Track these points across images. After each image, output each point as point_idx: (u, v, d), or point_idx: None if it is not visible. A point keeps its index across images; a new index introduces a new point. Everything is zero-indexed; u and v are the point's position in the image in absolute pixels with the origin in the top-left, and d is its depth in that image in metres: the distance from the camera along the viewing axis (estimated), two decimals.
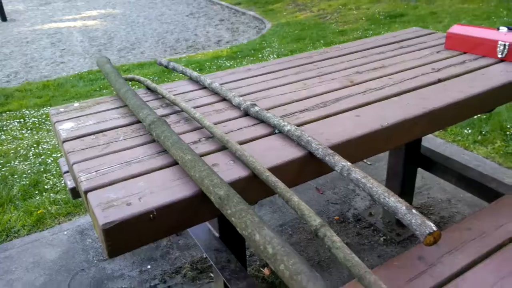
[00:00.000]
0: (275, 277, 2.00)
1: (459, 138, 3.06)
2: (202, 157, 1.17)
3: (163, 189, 1.05)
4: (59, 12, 10.68)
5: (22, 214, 2.54)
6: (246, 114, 1.43)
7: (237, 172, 1.10)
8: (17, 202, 2.68)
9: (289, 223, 2.34)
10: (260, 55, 5.90)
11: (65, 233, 2.37)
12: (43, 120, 4.15)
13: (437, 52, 1.95)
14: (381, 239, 2.19)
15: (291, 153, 1.19)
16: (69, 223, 2.45)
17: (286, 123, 1.26)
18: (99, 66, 1.89)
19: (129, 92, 1.50)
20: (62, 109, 1.56)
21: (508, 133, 3.01)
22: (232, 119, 1.41)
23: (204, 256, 2.14)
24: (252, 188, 1.11)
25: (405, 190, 2.21)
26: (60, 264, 2.15)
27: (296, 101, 1.51)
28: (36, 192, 2.79)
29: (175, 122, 1.40)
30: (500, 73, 1.68)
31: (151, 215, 0.98)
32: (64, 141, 1.32)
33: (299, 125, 1.34)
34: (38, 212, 2.54)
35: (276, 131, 1.30)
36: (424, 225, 0.87)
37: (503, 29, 1.81)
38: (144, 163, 1.17)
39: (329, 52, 2.05)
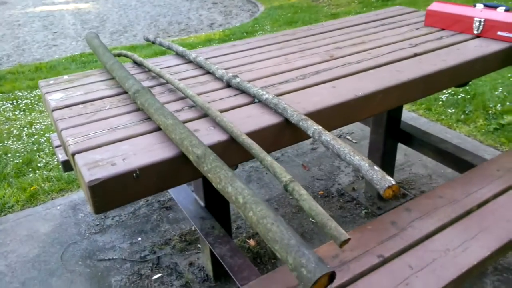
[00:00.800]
0: (260, 247, 2.09)
1: (443, 117, 3.13)
2: (184, 124, 1.24)
3: (146, 152, 1.11)
4: None
5: (16, 190, 2.60)
6: (228, 85, 1.49)
7: (216, 136, 1.17)
8: (11, 180, 2.74)
9: (275, 198, 2.42)
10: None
11: (58, 208, 2.44)
12: (36, 102, 4.19)
13: (417, 29, 2.01)
14: (363, 212, 2.28)
15: (269, 119, 1.26)
16: (62, 199, 2.52)
17: (264, 93, 1.33)
18: (87, 41, 1.94)
19: (115, 65, 1.56)
20: (51, 81, 1.62)
21: (490, 112, 3.09)
22: (214, 90, 1.47)
23: (193, 229, 2.22)
24: (231, 151, 1.18)
25: (386, 164, 2.29)
26: (53, 237, 2.23)
27: (277, 74, 1.58)
28: (30, 169, 2.85)
29: (160, 93, 1.46)
30: (474, 48, 1.74)
31: (134, 174, 1.05)
32: (53, 110, 1.38)
33: (278, 95, 1.40)
34: (32, 188, 2.60)
35: (256, 100, 1.37)
36: (384, 180, 0.94)
37: (479, 6, 1.87)
38: (128, 129, 1.23)
39: (313, 29, 2.10)
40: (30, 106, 4.08)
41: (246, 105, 1.36)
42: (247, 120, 1.26)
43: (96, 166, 1.05)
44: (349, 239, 0.83)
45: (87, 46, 6.49)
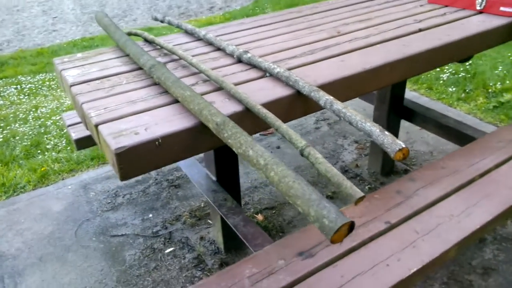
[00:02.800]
0: (268, 222, 2.15)
1: (444, 96, 3.18)
2: None
3: (166, 122, 1.16)
4: None
5: (27, 171, 2.65)
6: (239, 60, 1.53)
7: (232, 108, 1.22)
8: (20, 161, 2.79)
9: None
10: None
11: (69, 187, 2.50)
12: (40, 86, 4.22)
13: (421, 5, 2.05)
14: (366, 187, 2.34)
15: (281, 91, 1.30)
16: (72, 179, 2.58)
17: (276, 66, 1.37)
18: (97, 21, 1.97)
19: (128, 42, 1.60)
20: (66, 59, 1.66)
21: (490, 90, 3.14)
22: (226, 66, 1.51)
23: (202, 205, 2.28)
24: (246, 121, 1.23)
25: None
26: (66, 215, 2.29)
27: (286, 49, 1.62)
28: (39, 151, 2.90)
29: (173, 69, 1.51)
30: (478, 23, 1.78)
31: (156, 142, 1.10)
32: (71, 85, 1.42)
33: (288, 69, 1.45)
34: (42, 169, 2.66)
35: (267, 74, 1.42)
36: (395, 143, 1.00)
37: None
38: (148, 102, 1.28)
39: (319, 7, 2.14)
40: (34, 91, 4.11)
41: (257, 79, 1.41)
42: (260, 93, 1.31)
43: (121, 135, 1.10)
44: (364, 196, 0.88)
45: (87, 31, 6.50)
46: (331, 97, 1.18)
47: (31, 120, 3.42)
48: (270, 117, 1.13)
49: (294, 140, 1.04)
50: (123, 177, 1.10)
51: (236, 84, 1.37)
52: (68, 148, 2.90)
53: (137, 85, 1.40)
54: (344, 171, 2.48)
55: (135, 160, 1.09)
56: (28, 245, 2.10)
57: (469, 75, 3.37)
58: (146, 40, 1.79)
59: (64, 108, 3.60)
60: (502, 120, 2.78)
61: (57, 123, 3.31)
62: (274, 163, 0.90)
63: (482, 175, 1.57)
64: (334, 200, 2.25)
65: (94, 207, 2.32)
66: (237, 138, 0.99)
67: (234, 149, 1.01)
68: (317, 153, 1.00)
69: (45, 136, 3.11)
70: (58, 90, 4.06)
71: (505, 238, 1.94)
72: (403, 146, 0.99)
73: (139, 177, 2.54)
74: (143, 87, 1.39)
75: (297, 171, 2.49)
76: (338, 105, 1.15)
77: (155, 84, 1.40)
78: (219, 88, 1.35)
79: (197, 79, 1.42)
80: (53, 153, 2.85)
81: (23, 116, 3.49)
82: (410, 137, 2.75)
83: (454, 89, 3.22)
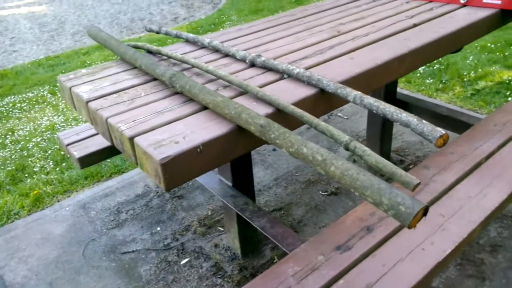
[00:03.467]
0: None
1: (423, 88, 3.32)
2: None
3: (202, 129, 1.17)
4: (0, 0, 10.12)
5: (18, 196, 2.55)
6: (252, 65, 1.55)
7: (263, 110, 1.24)
8: (8, 187, 2.68)
9: (282, 176, 2.51)
10: (221, 29, 5.95)
11: (67, 209, 2.42)
12: (10, 109, 4.06)
13: (406, 2, 2.14)
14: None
15: (304, 92, 1.34)
16: (69, 200, 2.50)
17: (294, 67, 1.40)
18: (92, 36, 1.93)
19: (137, 54, 1.59)
20: (71, 76, 1.62)
21: (465, 79, 3.31)
22: (240, 71, 1.53)
23: (210, 214, 2.27)
24: (279, 122, 1.25)
25: (385, 134, 2.43)
26: (69, 237, 2.22)
27: (294, 51, 1.65)
28: (26, 175, 2.79)
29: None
30: (464, 16, 1.89)
31: (198, 149, 1.10)
32: (88, 101, 1.40)
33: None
34: (34, 193, 2.56)
35: (285, 75, 1.44)
36: (435, 131, 1.05)
37: None
38: (175, 111, 1.28)
39: (309, 9, 2.19)
40: (5, 114, 3.96)
41: (276, 81, 1.43)
42: (283, 94, 1.33)
43: (161, 146, 1.10)
44: (419, 183, 0.92)
45: (50, 49, 6.31)
46: (360, 93, 1.22)
47: (9, 144, 3.29)
48: (306, 115, 1.15)
49: (337, 136, 1.08)
50: (168, 187, 1.09)
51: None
52: (57, 169, 2.81)
53: (157, 96, 1.40)
54: None
55: (178, 169, 1.09)
56: (34, 271, 2.02)
57: (442, 67, 3.54)
58: (150, 52, 1.78)
59: (43, 129, 3.49)
60: (481, 106, 2.94)
61: (39, 145, 3.20)
62: (333, 158, 0.92)
63: (487, 157, 1.66)
64: (339, 195, 2.30)
65: (98, 226, 2.27)
66: (287, 138, 1.01)
67: (284, 149, 1.03)
68: (363, 146, 1.03)
69: (29, 159, 3.00)
70: (32, 112, 3.93)
71: (505, 215, 2.05)
72: (443, 132, 1.04)
73: (139, 191, 2.50)
74: (164, 97, 1.38)
75: (296, 171, 2.53)
76: (368, 99, 1.19)
77: (175, 93, 1.39)
78: (242, 92, 1.37)
79: (216, 85, 1.43)
80: (42, 176, 2.75)
81: (0, 141, 3.35)
82: (399, 129, 2.85)
83: (431, 80, 3.37)
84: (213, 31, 5.94)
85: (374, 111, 1.19)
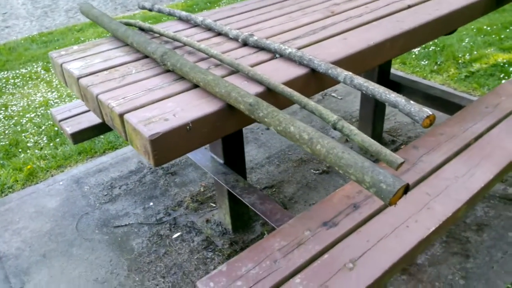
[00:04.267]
0: None
1: (417, 69, 3.33)
2: None
3: (192, 107, 1.18)
4: None
5: (12, 171, 2.57)
6: (244, 44, 1.55)
7: (253, 89, 1.25)
8: (1, 161, 2.69)
9: (275, 155, 2.54)
10: (217, 7, 5.88)
11: (61, 183, 2.45)
12: (4, 85, 4.04)
13: None
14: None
15: (295, 71, 1.34)
16: (62, 174, 2.52)
17: (286, 47, 1.41)
18: (84, 13, 1.92)
19: (129, 31, 1.58)
20: (63, 52, 1.62)
21: (460, 61, 3.31)
22: (232, 50, 1.53)
23: (202, 190, 2.30)
24: (269, 101, 1.26)
25: (378, 113, 2.45)
26: (63, 210, 2.25)
27: (287, 31, 1.65)
28: (20, 150, 2.80)
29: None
30: None
31: (187, 127, 1.12)
32: (79, 78, 1.40)
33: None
34: (28, 167, 2.58)
35: (277, 55, 1.45)
36: (422, 111, 1.07)
37: None
38: (166, 89, 1.28)
39: None
40: None
41: (268, 60, 1.44)
42: (275, 74, 1.34)
43: (151, 122, 1.11)
44: (403, 162, 0.95)
45: (43, 26, 6.22)
46: (350, 73, 1.23)
47: (3, 120, 3.29)
48: (296, 95, 1.17)
49: (325, 115, 1.09)
50: (157, 163, 1.11)
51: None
52: (51, 144, 2.82)
53: (148, 73, 1.40)
54: None
55: (168, 146, 1.11)
56: (28, 243, 2.05)
57: (438, 48, 3.53)
58: (142, 29, 1.77)
59: (37, 105, 3.48)
60: (475, 88, 2.95)
61: (33, 121, 3.20)
62: (320, 137, 0.94)
63: (476, 138, 1.68)
64: (330, 174, 2.33)
65: (91, 201, 2.29)
66: (275, 116, 1.03)
67: (272, 127, 1.04)
68: (351, 125, 1.05)
69: (23, 134, 3.00)
70: (25, 88, 3.91)
71: (493, 196, 2.09)
72: (430, 113, 1.06)
73: (133, 167, 2.52)
74: (155, 75, 1.39)
75: (289, 150, 2.55)
76: (358, 79, 1.20)
77: (167, 71, 1.40)
78: (233, 71, 1.37)
79: (207, 64, 1.44)
80: (36, 151, 2.77)
81: None
82: (391, 110, 2.87)
83: (426, 62, 3.37)
84: (209, 9, 5.87)
85: (364, 92, 1.20)
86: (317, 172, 2.37)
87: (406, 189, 0.84)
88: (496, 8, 2.00)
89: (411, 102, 1.09)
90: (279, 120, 1.02)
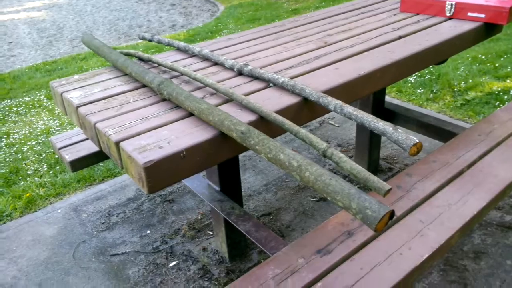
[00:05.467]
0: (267, 227, 2.20)
1: (414, 97, 3.37)
2: None
3: (186, 134, 1.21)
4: None
5: (11, 198, 2.58)
6: (240, 73, 1.60)
7: (246, 117, 1.28)
8: (1, 189, 2.71)
9: (272, 182, 2.55)
10: (218, 37, 6.01)
11: (59, 211, 2.45)
12: (7, 113, 4.10)
13: (394, 15, 2.20)
14: (356, 186, 2.45)
15: (288, 100, 1.38)
16: (61, 202, 2.53)
17: (279, 76, 1.45)
18: (85, 43, 1.98)
19: (128, 61, 1.63)
20: (63, 81, 1.66)
21: (455, 89, 3.36)
22: (227, 79, 1.58)
23: (199, 218, 2.31)
24: (261, 129, 1.29)
25: (374, 141, 2.47)
26: (60, 239, 2.25)
27: (281, 61, 1.70)
28: (19, 178, 2.82)
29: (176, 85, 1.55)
30: (450, 28, 1.94)
31: (181, 154, 1.14)
32: (78, 106, 1.44)
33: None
34: (27, 195, 2.59)
35: (271, 84, 1.49)
36: (409, 139, 1.09)
37: None
38: (162, 117, 1.32)
39: (299, 20, 2.24)
40: (1, 118, 4.00)
41: (262, 89, 1.48)
42: (268, 102, 1.38)
43: (146, 150, 1.14)
44: (390, 188, 0.96)
45: (48, 55, 6.36)
46: (340, 102, 1.27)
47: (4, 147, 3.32)
48: (287, 123, 1.20)
49: (315, 143, 1.12)
50: (151, 190, 1.13)
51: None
52: (51, 172, 2.84)
53: (145, 102, 1.44)
54: (333, 173, 2.58)
55: (161, 173, 1.13)
56: (24, 272, 2.05)
57: (434, 77, 3.59)
58: (141, 59, 1.82)
59: (38, 133, 3.52)
60: (471, 116, 2.99)
61: (34, 148, 3.23)
62: (308, 164, 0.96)
63: (469, 166, 1.70)
64: (328, 201, 2.33)
65: (89, 229, 2.30)
66: (266, 144, 1.05)
67: (263, 155, 1.07)
68: (340, 153, 1.07)
69: (24, 162, 3.03)
70: (28, 116, 3.96)
71: (489, 223, 2.09)
72: (417, 141, 1.08)
73: (131, 195, 2.53)
74: (152, 103, 1.43)
75: (286, 177, 2.56)
76: (348, 108, 1.23)
77: (163, 100, 1.44)
78: (228, 100, 1.41)
79: (203, 93, 1.47)
80: (36, 178, 2.79)
81: None
82: None
83: (422, 90, 3.42)
84: (210, 38, 6.01)
85: (354, 120, 1.23)
86: (314, 199, 2.37)
87: (392, 215, 0.85)
88: (486, 39, 2.06)
89: (399, 130, 1.12)
90: (269, 148, 1.04)
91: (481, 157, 1.75)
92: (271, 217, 2.26)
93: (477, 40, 2.00)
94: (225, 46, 1.95)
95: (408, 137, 1.10)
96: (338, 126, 3.12)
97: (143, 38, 2.11)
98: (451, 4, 2.03)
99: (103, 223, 2.33)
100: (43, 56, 6.32)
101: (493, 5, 1.93)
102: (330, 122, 3.17)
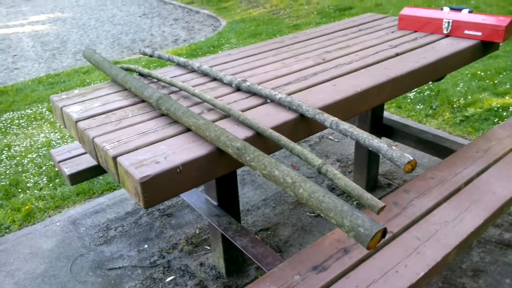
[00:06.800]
0: (265, 242, 2.19)
1: (413, 113, 3.39)
2: None
3: (183, 150, 1.22)
4: (3, 18, 10.34)
5: (10, 211, 2.59)
6: (238, 89, 1.62)
7: (243, 133, 1.29)
8: (0, 202, 2.71)
9: (271, 197, 2.55)
10: (220, 51, 6.07)
11: (58, 224, 2.45)
12: (9, 125, 4.12)
13: (392, 32, 2.22)
14: (355, 203, 2.45)
15: (285, 116, 1.39)
16: (60, 215, 2.53)
17: (277, 93, 1.46)
18: (86, 58, 2.01)
19: (128, 76, 1.65)
20: (64, 96, 1.68)
21: (455, 106, 3.38)
22: (226, 94, 1.59)
23: (197, 232, 2.30)
24: (257, 145, 1.30)
25: (372, 157, 2.47)
26: (57, 252, 2.24)
27: (279, 77, 1.72)
28: (19, 190, 2.83)
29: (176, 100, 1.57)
30: (446, 46, 1.96)
31: (178, 170, 1.15)
32: (77, 121, 1.45)
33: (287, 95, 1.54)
34: (26, 208, 2.60)
35: (268, 100, 1.50)
36: (403, 157, 1.10)
37: (446, 9, 2.10)
38: (159, 132, 1.33)
39: (298, 37, 2.27)
40: (3, 130, 4.02)
41: (259, 105, 1.49)
42: (265, 118, 1.39)
43: (142, 165, 1.15)
44: (384, 206, 0.97)
45: (51, 68, 6.42)
46: (336, 118, 1.28)
47: (5, 160, 3.34)
48: (283, 139, 1.21)
49: (310, 160, 1.13)
50: (147, 205, 1.14)
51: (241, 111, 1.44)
52: (51, 185, 2.85)
53: (144, 117, 1.45)
54: (331, 189, 2.58)
55: (158, 188, 1.14)
56: (21, 285, 2.04)
57: (433, 93, 3.61)
58: (141, 74, 1.84)
59: (39, 146, 3.54)
60: (470, 132, 2.99)
61: (34, 161, 3.25)
62: (302, 181, 0.97)
63: (466, 183, 1.70)
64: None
65: (87, 242, 2.29)
66: (261, 161, 1.06)
67: (258, 171, 1.07)
68: (334, 169, 1.08)
69: (24, 174, 3.04)
70: (30, 128, 3.99)
71: (488, 240, 2.08)
72: (411, 158, 1.09)
73: (130, 209, 2.53)
74: (150, 119, 1.44)
75: (285, 192, 2.56)
76: (344, 125, 1.24)
77: (161, 115, 1.45)
78: (225, 116, 1.42)
79: (201, 108, 1.49)
80: (35, 191, 2.79)
81: None
82: None
83: (421, 106, 3.44)
84: (212, 53, 6.06)
85: (349, 136, 1.24)
86: (312, 214, 2.37)
87: (384, 233, 0.85)
88: (482, 56, 2.08)
89: (393, 147, 1.13)
90: (265, 164, 1.05)
91: (478, 174, 1.75)
92: (269, 232, 2.25)
93: (474, 58, 2.02)
94: (224, 62, 1.97)
95: (402, 154, 1.10)
96: (338, 141, 3.12)
97: (144, 54, 2.13)
98: (448, 22, 2.05)
99: (101, 236, 2.33)
100: (46, 69, 6.38)
101: (489, 23, 1.95)
102: (330, 137, 3.18)
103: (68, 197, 2.68)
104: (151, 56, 2.08)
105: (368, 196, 0.99)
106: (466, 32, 2.02)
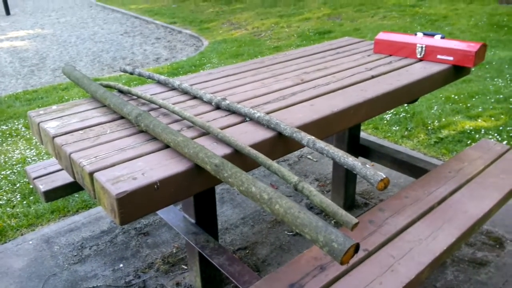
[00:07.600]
0: (242, 262, 2.19)
1: (389, 134, 3.46)
2: None
3: (161, 166, 1.22)
4: None
5: None
6: (217, 107, 1.63)
7: (222, 150, 1.31)
8: None
9: (249, 215, 2.55)
10: (201, 71, 6.11)
11: (30, 242, 2.39)
12: None
13: (368, 55, 2.29)
14: (332, 222, 2.47)
15: (263, 134, 1.41)
16: (33, 233, 2.47)
17: (255, 111, 1.49)
18: (66, 74, 2.00)
19: (107, 93, 1.65)
20: (41, 111, 1.67)
21: (429, 127, 3.47)
22: (205, 112, 1.61)
23: (174, 251, 2.28)
24: (236, 162, 1.31)
25: (350, 176, 2.51)
26: (29, 271, 2.18)
27: (258, 96, 1.75)
28: None
29: (154, 117, 1.57)
30: (420, 69, 2.03)
31: (155, 186, 1.15)
32: (54, 137, 1.44)
33: (265, 114, 1.57)
34: None
35: (247, 119, 1.53)
36: (376, 175, 1.13)
37: (420, 34, 2.18)
38: (137, 149, 1.33)
39: (278, 58, 2.32)
40: None
41: (238, 123, 1.51)
42: (243, 136, 1.41)
43: (119, 181, 1.15)
44: (358, 222, 0.99)
45: (29, 84, 6.34)
46: (313, 137, 1.30)
47: None
48: (261, 157, 1.22)
49: (287, 177, 1.14)
50: (123, 222, 1.13)
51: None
52: (24, 202, 2.78)
53: (122, 133, 1.45)
54: (310, 207, 2.60)
55: (134, 204, 1.13)
56: None
57: (408, 115, 3.71)
58: (121, 91, 1.85)
59: (14, 162, 3.47)
60: (444, 153, 3.07)
61: (8, 178, 3.17)
62: (278, 197, 0.98)
63: (440, 202, 1.75)
64: (304, 236, 2.34)
65: (60, 261, 2.24)
66: (238, 177, 1.07)
67: (235, 187, 1.08)
68: (310, 186, 1.10)
69: None
70: (4, 144, 3.91)
71: (462, 259, 2.12)
72: (384, 176, 1.12)
73: (105, 227, 2.49)
74: (128, 135, 1.44)
75: (264, 211, 2.57)
76: (320, 143, 1.27)
77: (140, 132, 1.45)
78: (204, 133, 1.43)
79: (180, 125, 1.50)
80: (8, 209, 2.72)
81: None
82: None
83: (397, 128, 3.52)
84: (194, 72, 6.10)
85: (325, 155, 1.27)
86: (290, 233, 2.38)
87: (357, 248, 0.87)
88: (454, 80, 2.16)
89: (367, 165, 1.16)
90: (242, 181, 1.06)
91: (451, 193, 1.80)
92: (247, 251, 2.24)
93: (446, 81, 2.09)
94: (205, 81, 1.99)
95: (376, 172, 1.13)
96: (316, 161, 3.16)
97: (125, 71, 2.14)
98: (422, 47, 2.13)
99: (75, 255, 2.28)
100: (23, 85, 6.29)
101: (460, 48, 2.04)
102: (309, 156, 3.22)
103: (42, 215, 2.62)
104: (131, 73, 2.09)
105: (342, 213, 1.01)
106: (438, 56, 2.10)
